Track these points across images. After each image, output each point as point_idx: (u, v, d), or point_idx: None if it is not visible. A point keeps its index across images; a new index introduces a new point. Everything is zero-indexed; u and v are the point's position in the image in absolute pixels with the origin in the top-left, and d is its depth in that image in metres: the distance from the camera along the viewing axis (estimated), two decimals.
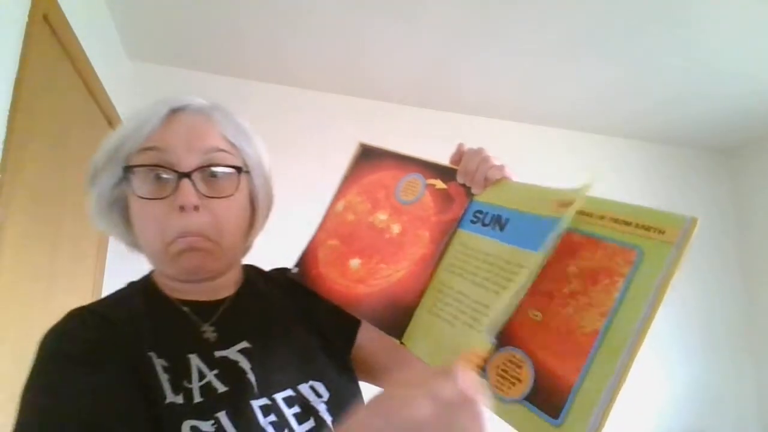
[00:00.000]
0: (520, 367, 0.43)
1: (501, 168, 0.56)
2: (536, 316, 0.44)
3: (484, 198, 0.55)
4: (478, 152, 0.57)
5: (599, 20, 1.72)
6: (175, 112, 0.55)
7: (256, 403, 0.51)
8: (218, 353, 0.53)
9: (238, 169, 0.56)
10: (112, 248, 1.83)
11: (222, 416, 0.48)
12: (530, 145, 2.63)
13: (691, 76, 2.10)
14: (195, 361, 0.51)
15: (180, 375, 0.49)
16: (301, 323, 0.62)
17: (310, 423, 0.52)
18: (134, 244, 0.59)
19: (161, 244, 0.52)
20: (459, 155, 0.60)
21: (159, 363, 0.49)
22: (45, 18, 1.17)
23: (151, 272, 0.60)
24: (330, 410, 0.54)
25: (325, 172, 2.25)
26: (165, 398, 0.47)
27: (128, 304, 0.55)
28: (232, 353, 0.54)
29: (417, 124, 2.44)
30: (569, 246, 0.45)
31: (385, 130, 2.40)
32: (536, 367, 0.42)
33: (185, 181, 0.51)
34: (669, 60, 1.97)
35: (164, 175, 0.52)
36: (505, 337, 0.46)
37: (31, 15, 1.10)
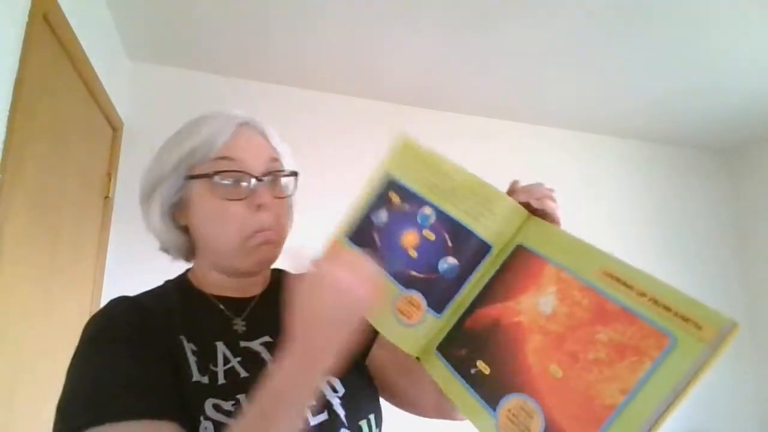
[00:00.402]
0: (531, 417, 0.44)
1: (556, 204, 0.57)
2: (557, 372, 0.45)
3: (525, 238, 0.54)
4: (541, 184, 0.58)
5: (599, 20, 1.72)
6: (240, 125, 0.62)
7: None
8: (243, 343, 0.59)
9: (295, 174, 0.66)
10: (112, 248, 1.83)
11: (243, 398, 0.52)
12: (530, 145, 2.63)
13: (691, 76, 2.10)
14: (221, 347, 0.57)
15: (207, 358, 0.55)
16: None
17: (324, 416, 0.55)
18: (182, 247, 0.65)
19: (240, 239, 0.59)
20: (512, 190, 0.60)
21: (189, 347, 0.55)
22: (45, 18, 1.17)
23: (187, 271, 0.67)
24: (343, 405, 0.58)
25: (325, 172, 2.26)
26: (191, 377, 0.52)
27: (165, 297, 0.61)
28: (256, 345, 0.60)
29: (417, 124, 2.44)
30: (604, 313, 0.45)
31: (385, 131, 2.40)
32: (547, 421, 0.43)
33: (263, 184, 0.61)
34: (669, 60, 1.97)
35: (243, 182, 0.60)
36: (519, 384, 0.46)
37: (31, 15, 1.10)
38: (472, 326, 0.53)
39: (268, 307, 0.65)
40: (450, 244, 0.56)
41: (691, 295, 0.41)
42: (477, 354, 0.51)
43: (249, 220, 0.59)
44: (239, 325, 0.61)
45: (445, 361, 0.53)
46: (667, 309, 0.41)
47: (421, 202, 0.58)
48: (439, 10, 1.70)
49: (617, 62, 2.00)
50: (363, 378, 0.66)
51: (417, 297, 0.55)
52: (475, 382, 0.50)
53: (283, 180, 0.65)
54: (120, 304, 0.57)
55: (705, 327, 0.39)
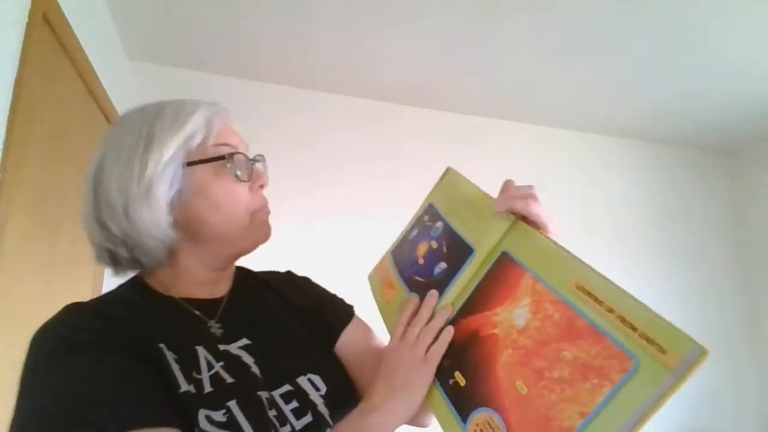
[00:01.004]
0: None
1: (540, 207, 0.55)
2: (522, 389, 0.44)
3: (511, 245, 0.53)
4: (531, 187, 0.56)
5: (599, 20, 1.72)
6: (220, 113, 0.62)
7: (263, 395, 0.53)
8: (222, 347, 0.56)
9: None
10: None
11: (233, 405, 0.50)
12: (530, 145, 2.63)
13: (691, 76, 2.10)
14: (202, 352, 0.54)
15: (190, 365, 0.51)
16: (295, 319, 0.66)
17: (308, 418, 0.54)
18: (165, 248, 0.57)
19: (249, 218, 0.60)
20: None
21: (170, 355, 0.51)
22: (45, 18, 1.17)
23: (136, 276, 0.61)
24: (327, 404, 0.57)
25: (325, 171, 2.26)
26: (179, 388, 0.49)
27: (125, 302, 0.56)
28: (234, 348, 0.57)
29: (417, 124, 2.44)
30: (572, 329, 0.43)
31: (385, 130, 2.40)
32: None
33: (262, 166, 0.63)
34: (669, 60, 1.97)
35: (247, 165, 0.61)
36: (488, 399, 0.46)
37: (31, 15, 1.10)
38: (456, 335, 0.53)
39: (239, 307, 0.63)
40: (445, 250, 0.59)
41: (663, 316, 0.38)
42: (456, 365, 0.51)
43: (254, 200, 0.61)
44: (215, 327, 0.58)
45: None
46: (633, 328, 0.39)
47: (438, 218, 0.64)
48: (438, 10, 1.70)
49: (617, 62, 2.00)
50: (339, 370, 0.65)
51: (415, 300, 0.58)
52: (452, 393, 0.50)
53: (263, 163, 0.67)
54: (75, 310, 0.52)
55: (669, 351, 0.36)
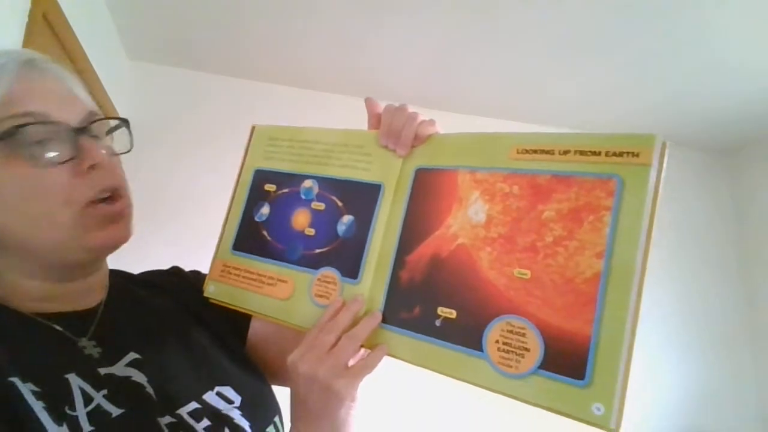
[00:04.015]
0: (522, 335, 0.39)
1: (432, 122, 0.51)
2: (524, 275, 0.40)
3: (420, 160, 0.49)
4: (402, 109, 0.51)
5: (599, 20, 1.72)
6: (24, 67, 0.45)
7: (163, 422, 0.43)
8: (104, 370, 0.43)
9: (125, 122, 0.50)
10: None
11: None
12: None
13: (691, 76, 2.10)
14: (76, 381, 0.41)
15: (58, 400, 0.39)
16: (192, 324, 0.55)
17: None
18: None
19: (72, 217, 0.43)
20: (376, 117, 0.53)
21: (27, 388, 0.38)
22: (45, 18, 1.17)
23: None
24: (245, 415, 0.49)
25: None
26: (45, 430, 0.37)
27: None
28: (120, 369, 0.44)
29: None
30: (537, 190, 0.41)
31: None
32: (541, 330, 0.38)
33: (88, 137, 0.45)
34: (669, 60, 1.97)
35: (60, 137, 0.43)
36: (494, 309, 0.41)
37: (31, 15, 1.10)
38: (411, 277, 0.46)
39: (120, 317, 0.49)
40: (340, 204, 0.52)
41: (606, 131, 0.40)
42: (433, 303, 0.44)
43: (79, 188, 0.43)
44: (90, 347, 0.44)
45: (401, 330, 0.45)
46: (597, 153, 0.39)
47: (299, 179, 0.55)
48: (438, 10, 1.70)
49: (617, 62, 2.00)
50: (253, 373, 0.55)
51: (329, 272, 0.50)
52: (446, 333, 0.42)
53: (116, 132, 0.49)
54: None
55: (641, 151, 0.38)
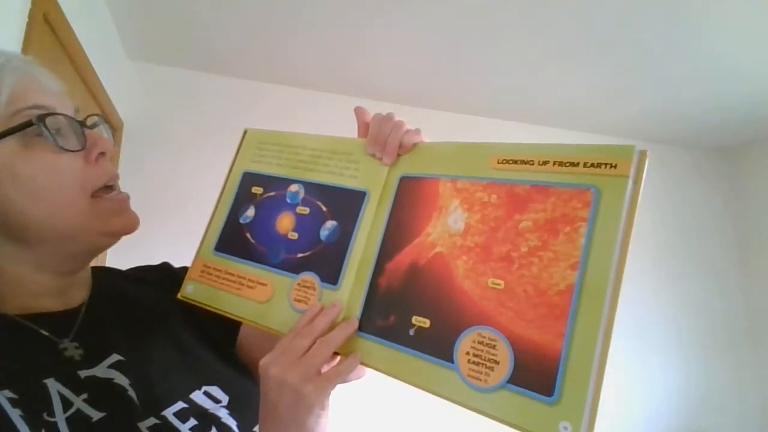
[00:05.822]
0: (493, 347, 0.38)
1: (418, 132, 0.51)
2: (498, 285, 0.39)
3: (405, 168, 0.50)
4: (389, 117, 0.51)
5: (599, 20, 1.72)
6: (22, 66, 0.46)
7: (145, 425, 0.43)
8: (84, 373, 0.43)
9: (105, 120, 0.52)
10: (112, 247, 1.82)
11: None
12: None
13: (692, 76, 2.10)
14: (54, 386, 0.40)
15: (36, 407, 0.38)
16: (179, 323, 0.55)
17: None
18: None
19: (88, 200, 0.45)
20: (365, 125, 0.53)
21: (3, 396, 0.37)
22: (45, 18, 1.17)
23: None
24: (233, 414, 0.49)
25: None
26: None
27: None
28: (101, 371, 0.44)
29: (417, 124, 2.43)
30: (515, 200, 0.41)
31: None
32: (512, 342, 0.37)
33: (95, 129, 0.49)
34: (669, 60, 1.97)
35: (72, 128, 0.46)
36: (466, 319, 0.40)
37: (31, 15, 1.10)
38: (388, 284, 0.45)
39: (103, 317, 0.49)
40: (325, 209, 0.52)
41: (585, 142, 0.40)
42: (408, 312, 0.43)
43: (92, 176, 0.46)
44: (71, 349, 0.44)
45: (376, 338, 0.44)
46: (575, 165, 0.39)
47: (285, 183, 0.55)
48: (436, 10, 1.70)
49: (617, 62, 2.00)
50: (241, 372, 0.55)
51: (309, 277, 0.49)
52: (419, 342, 0.41)
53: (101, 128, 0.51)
54: None
55: (619, 163, 0.38)
